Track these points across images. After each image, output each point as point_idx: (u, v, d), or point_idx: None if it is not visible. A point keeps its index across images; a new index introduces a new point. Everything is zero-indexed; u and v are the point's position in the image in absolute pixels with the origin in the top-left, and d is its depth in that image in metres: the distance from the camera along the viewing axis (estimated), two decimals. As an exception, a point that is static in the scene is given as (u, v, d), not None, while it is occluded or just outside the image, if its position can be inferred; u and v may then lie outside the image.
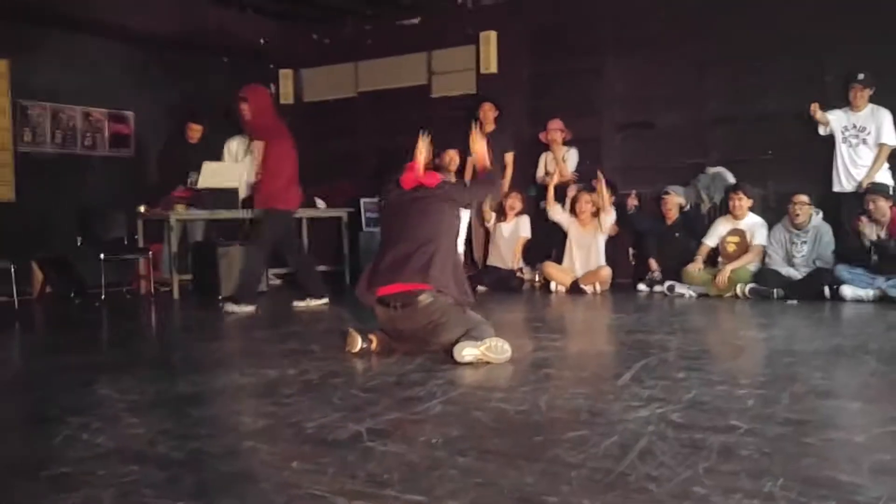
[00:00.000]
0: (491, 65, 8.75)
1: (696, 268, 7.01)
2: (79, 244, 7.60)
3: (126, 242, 7.92)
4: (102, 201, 8.05)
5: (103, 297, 7.28)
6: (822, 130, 7.06)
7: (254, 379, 3.82)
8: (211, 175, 7.57)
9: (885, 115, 6.74)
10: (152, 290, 7.81)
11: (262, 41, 9.59)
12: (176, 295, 7.51)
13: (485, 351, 3.92)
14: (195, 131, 8.36)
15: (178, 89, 8.81)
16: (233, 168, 8.10)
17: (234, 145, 8.64)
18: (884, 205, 6.33)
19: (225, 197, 7.66)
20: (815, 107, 6.89)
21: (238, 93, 6.48)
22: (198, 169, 7.65)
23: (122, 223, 7.97)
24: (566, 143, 8.19)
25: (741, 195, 7.04)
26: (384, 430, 2.79)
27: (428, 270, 4.04)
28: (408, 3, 8.90)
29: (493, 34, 8.70)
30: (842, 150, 6.92)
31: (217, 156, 7.74)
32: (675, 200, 7.49)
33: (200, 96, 8.87)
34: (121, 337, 5.89)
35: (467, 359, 3.88)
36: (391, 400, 3.27)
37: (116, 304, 7.29)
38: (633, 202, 7.68)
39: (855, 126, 6.86)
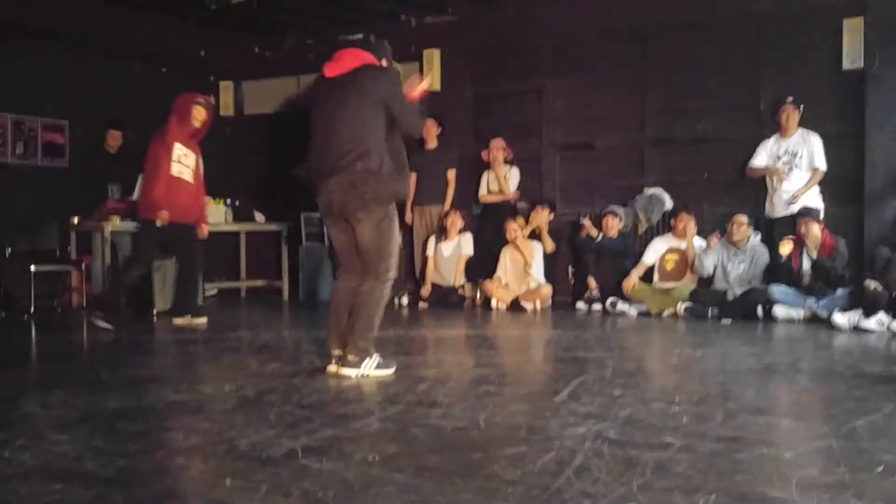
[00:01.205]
0: (434, 82, 8.79)
1: (630, 283, 7.10)
2: (7, 255, 7.35)
3: (58, 254, 7.69)
4: (34, 212, 7.80)
5: (32, 310, 7.06)
6: (747, 172, 7.25)
7: (187, 395, 3.73)
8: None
9: (816, 139, 6.97)
10: (84, 303, 7.59)
11: (202, 53, 9.46)
12: (109, 308, 7.32)
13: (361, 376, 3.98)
14: (114, 138, 8.17)
15: (115, 99, 8.62)
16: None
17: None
18: (815, 228, 6.52)
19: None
20: (780, 173, 7.04)
21: (206, 99, 6.39)
22: (118, 180, 7.47)
23: (55, 234, 7.74)
24: (508, 162, 8.27)
25: (687, 217, 7.21)
26: (320, 447, 2.74)
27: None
28: (351, 19, 8.89)
29: (436, 52, 8.74)
30: (774, 175, 7.11)
31: (141, 167, 7.59)
32: (615, 221, 7.60)
33: (138, 106, 8.69)
34: (49, 351, 5.71)
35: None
36: (328, 417, 3.22)
37: (46, 318, 7.07)
38: (589, 230, 7.75)
39: (787, 152, 7.06)
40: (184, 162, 6.25)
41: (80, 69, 8.47)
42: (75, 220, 7.59)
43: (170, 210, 6.15)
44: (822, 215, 6.71)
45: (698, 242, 7.21)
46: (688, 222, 7.20)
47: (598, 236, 7.67)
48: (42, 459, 2.62)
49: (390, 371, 4.07)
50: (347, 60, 4.11)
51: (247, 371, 4.26)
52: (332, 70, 4.13)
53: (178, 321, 6.37)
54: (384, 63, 4.18)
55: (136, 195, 7.24)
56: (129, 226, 7.47)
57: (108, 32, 8.41)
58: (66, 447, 2.76)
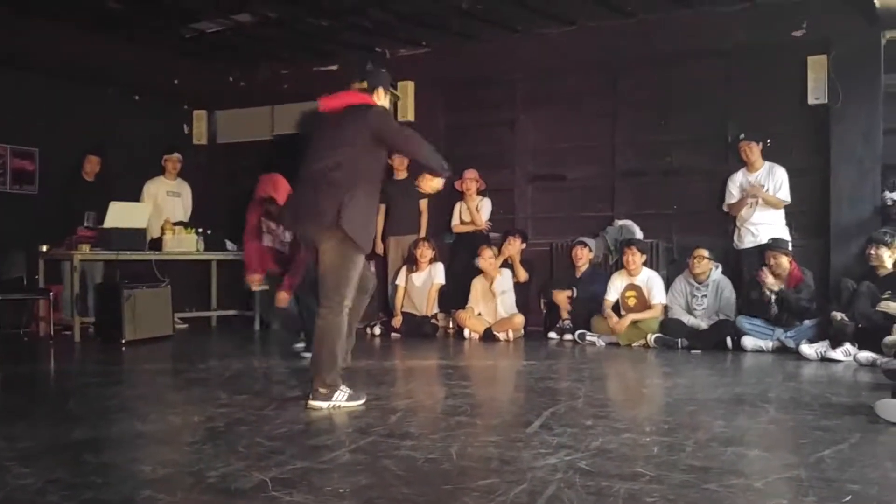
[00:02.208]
0: (408, 113, 8.85)
1: (623, 325, 7.06)
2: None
3: (25, 282, 7.58)
4: (2, 240, 7.70)
5: (-2, 338, 6.95)
6: (725, 208, 7.36)
7: (156, 426, 3.68)
8: (118, 215, 7.37)
9: (781, 172, 7.10)
10: (52, 332, 7.47)
11: (175, 81, 9.45)
12: (77, 338, 7.22)
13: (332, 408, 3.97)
14: (93, 163, 8.13)
15: (86, 126, 8.56)
16: (140, 208, 7.96)
17: (153, 187, 8.49)
18: (784, 260, 6.62)
19: (131, 237, 7.47)
20: (757, 189, 7.12)
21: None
22: (94, 208, 7.43)
23: (22, 263, 7.64)
24: (480, 192, 8.32)
25: (634, 251, 7.23)
26: (290, 479, 2.72)
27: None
28: (326, 50, 8.94)
29: (410, 84, 8.81)
30: (742, 209, 7.22)
31: (116, 195, 7.59)
32: (585, 252, 7.65)
33: (109, 134, 8.65)
34: (15, 381, 5.59)
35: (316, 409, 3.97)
36: (298, 448, 3.19)
37: (13, 347, 6.95)
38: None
39: (753, 186, 7.18)
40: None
41: (51, 96, 8.41)
42: (44, 248, 7.51)
43: None
44: (790, 246, 6.80)
45: (649, 274, 7.23)
46: (632, 256, 7.19)
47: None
48: (4, 493, 2.56)
49: (360, 402, 4.05)
50: (343, 98, 4.20)
51: (216, 402, 4.20)
52: (326, 104, 4.22)
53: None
54: (378, 94, 4.25)
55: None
56: (100, 254, 7.43)
57: (80, 60, 8.37)
58: (28, 480, 2.71)
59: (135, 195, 8.36)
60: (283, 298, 5.96)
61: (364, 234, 4.09)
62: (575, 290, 7.57)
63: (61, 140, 8.34)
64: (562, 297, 7.58)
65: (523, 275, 7.90)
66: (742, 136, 7.21)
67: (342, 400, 4.00)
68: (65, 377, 5.81)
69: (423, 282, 8.05)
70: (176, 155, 8.68)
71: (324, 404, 3.97)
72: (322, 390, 3.99)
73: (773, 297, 6.56)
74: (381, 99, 4.29)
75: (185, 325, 8.38)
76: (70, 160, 8.22)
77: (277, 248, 6.07)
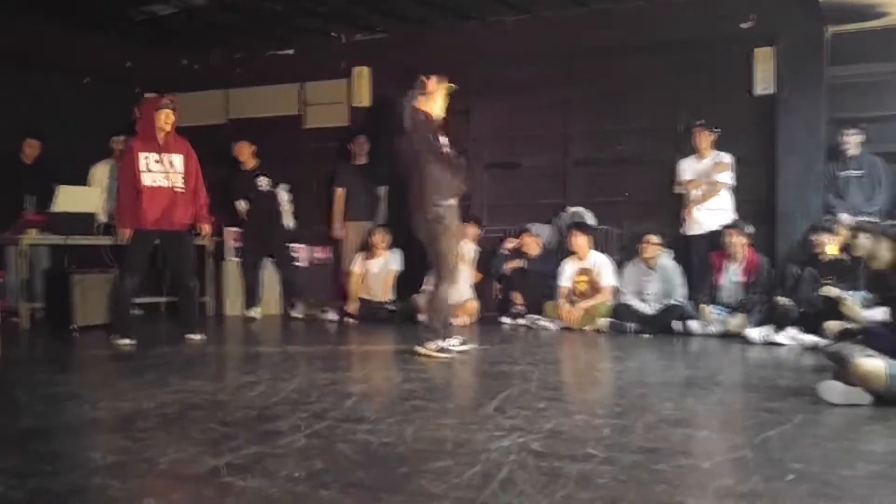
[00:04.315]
0: (364, 99, 8.81)
1: (557, 306, 7.19)
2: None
3: (-33, 268, 7.40)
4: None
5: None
6: (677, 189, 7.47)
7: (106, 412, 3.64)
8: (67, 199, 7.22)
9: (727, 159, 7.24)
10: (-2, 319, 7.30)
11: (128, 64, 9.26)
12: (25, 324, 7.07)
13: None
14: (32, 147, 7.94)
15: (33, 109, 8.34)
16: (91, 192, 7.79)
17: (99, 171, 8.31)
18: (740, 239, 6.73)
19: (81, 222, 7.32)
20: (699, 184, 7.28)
21: (170, 100, 6.09)
22: (34, 192, 7.25)
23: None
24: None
25: (577, 233, 7.33)
26: (244, 464, 2.71)
27: None
28: (281, 35, 8.85)
29: (365, 69, 8.77)
30: (691, 195, 7.35)
31: (59, 179, 7.40)
32: (534, 238, 7.72)
33: (56, 117, 8.45)
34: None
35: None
36: (252, 434, 3.18)
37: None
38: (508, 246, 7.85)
39: (702, 173, 7.32)
40: (155, 169, 5.93)
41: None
42: (-11, 232, 7.33)
43: (147, 220, 5.88)
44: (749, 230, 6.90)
45: (597, 257, 7.35)
46: (575, 238, 7.31)
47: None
48: (-50, 481, 2.52)
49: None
50: None
51: (169, 387, 4.17)
52: None
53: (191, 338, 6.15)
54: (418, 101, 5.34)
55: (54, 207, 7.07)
56: (49, 239, 7.27)
57: (27, 42, 8.15)
58: (-25, 468, 2.66)
59: (82, 179, 8.18)
60: None
61: None
62: (526, 262, 7.65)
63: (4, 123, 8.10)
64: (510, 266, 7.72)
65: (476, 276, 7.93)
66: (700, 122, 7.31)
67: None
68: (12, 364, 5.69)
69: (381, 268, 8.05)
70: (124, 137, 8.51)
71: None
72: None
73: (725, 281, 6.71)
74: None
75: (141, 312, 8.25)
76: (8, 144, 8.00)
77: None
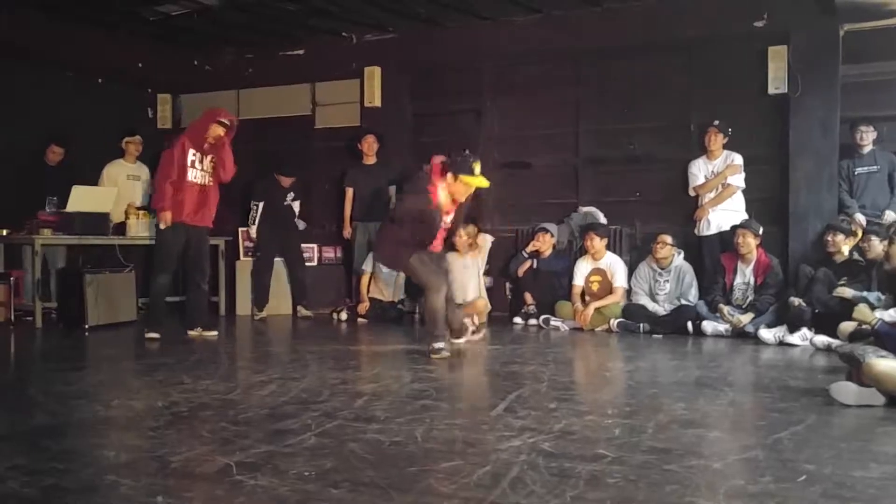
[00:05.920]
0: (375, 99, 8.82)
1: (587, 316, 7.09)
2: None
3: (-17, 267, 7.46)
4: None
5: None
6: (692, 192, 7.44)
7: (119, 411, 3.66)
8: (81, 199, 7.26)
9: (738, 160, 7.20)
10: (12, 317, 7.35)
11: (139, 65, 9.30)
12: (39, 323, 7.12)
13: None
14: (56, 154, 8.01)
15: (48, 110, 8.39)
16: (105, 192, 7.85)
17: (113, 170, 8.35)
18: (751, 240, 6.70)
19: (94, 222, 7.37)
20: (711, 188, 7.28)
21: (230, 119, 6.44)
22: (56, 193, 7.32)
23: (-20, 248, 7.51)
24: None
25: (593, 236, 7.30)
26: (254, 463, 2.72)
27: None
28: (292, 35, 8.87)
29: (377, 70, 8.78)
30: (704, 196, 7.33)
31: (80, 180, 7.47)
32: (548, 237, 7.70)
33: (71, 118, 8.50)
34: (-28, 368, 5.51)
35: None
36: (263, 432, 3.20)
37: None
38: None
39: (713, 173, 7.29)
40: (197, 167, 6.32)
41: (11, 80, 8.23)
42: (4, 232, 7.38)
43: (184, 213, 6.25)
44: (760, 231, 6.86)
45: (612, 258, 7.33)
46: (591, 241, 7.28)
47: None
48: (-36, 479, 2.54)
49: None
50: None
51: (180, 386, 4.19)
52: None
53: (192, 333, 6.49)
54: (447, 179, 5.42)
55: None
56: (62, 239, 7.32)
57: (42, 43, 8.20)
58: (-11, 466, 2.68)
59: (96, 179, 8.23)
60: None
61: None
62: (535, 262, 7.63)
63: (21, 124, 8.16)
64: (523, 269, 7.66)
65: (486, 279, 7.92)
66: (716, 122, 7.26)
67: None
68: (26, 363, 5.73)
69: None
70: (137, 137, 8.53)
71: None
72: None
73: (738, 281, 6.69)
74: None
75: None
76: (30, 145, 8.06)
77: None
